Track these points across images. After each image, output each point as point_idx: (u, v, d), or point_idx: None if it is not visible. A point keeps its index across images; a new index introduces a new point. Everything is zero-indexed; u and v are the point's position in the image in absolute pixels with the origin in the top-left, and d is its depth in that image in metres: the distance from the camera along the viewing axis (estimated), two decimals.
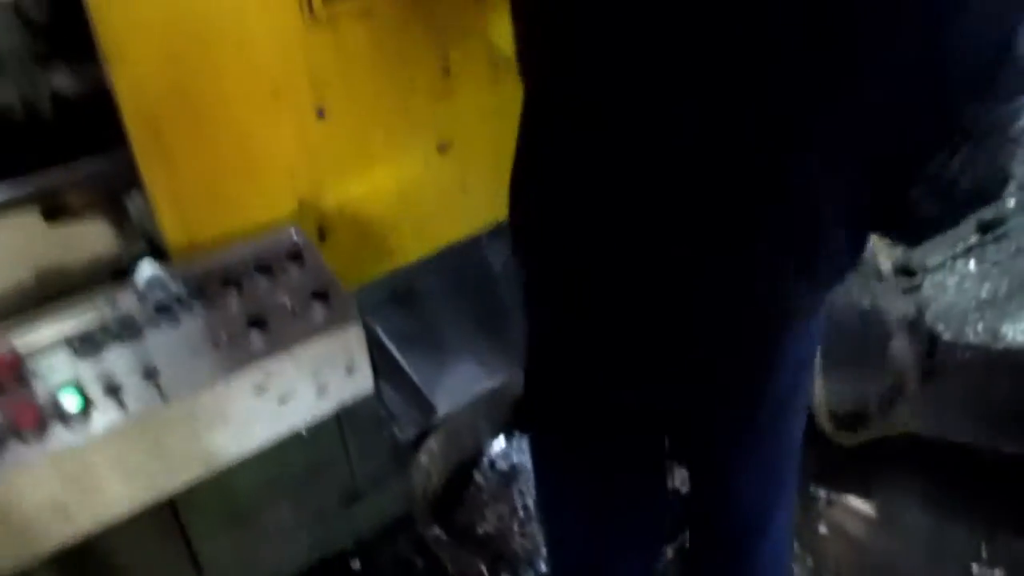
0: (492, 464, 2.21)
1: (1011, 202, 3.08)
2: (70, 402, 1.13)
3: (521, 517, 2.07)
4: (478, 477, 2.18)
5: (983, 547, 2.14)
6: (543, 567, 1.97)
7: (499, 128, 1.53)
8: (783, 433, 1.33)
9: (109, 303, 1.25)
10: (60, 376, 1.16)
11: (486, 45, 1.66)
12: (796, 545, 2.11)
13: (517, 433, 2.23)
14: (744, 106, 0.89)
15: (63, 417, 1.12)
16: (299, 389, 1.32)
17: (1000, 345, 2.54)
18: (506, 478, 2.16)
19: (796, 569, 2.07)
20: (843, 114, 0.91)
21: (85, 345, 1.19)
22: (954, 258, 2.85)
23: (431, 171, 1.66)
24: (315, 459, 1.92)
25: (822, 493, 2.32)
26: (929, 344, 2.53)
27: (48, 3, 1.31)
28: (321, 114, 1.48)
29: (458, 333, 2.12)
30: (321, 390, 1.35)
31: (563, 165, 1.05)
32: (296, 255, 1.39)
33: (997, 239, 2.94)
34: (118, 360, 1.19)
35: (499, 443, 2.24)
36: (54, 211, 1.28)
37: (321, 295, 1.33)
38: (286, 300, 1.31)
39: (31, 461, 1.09)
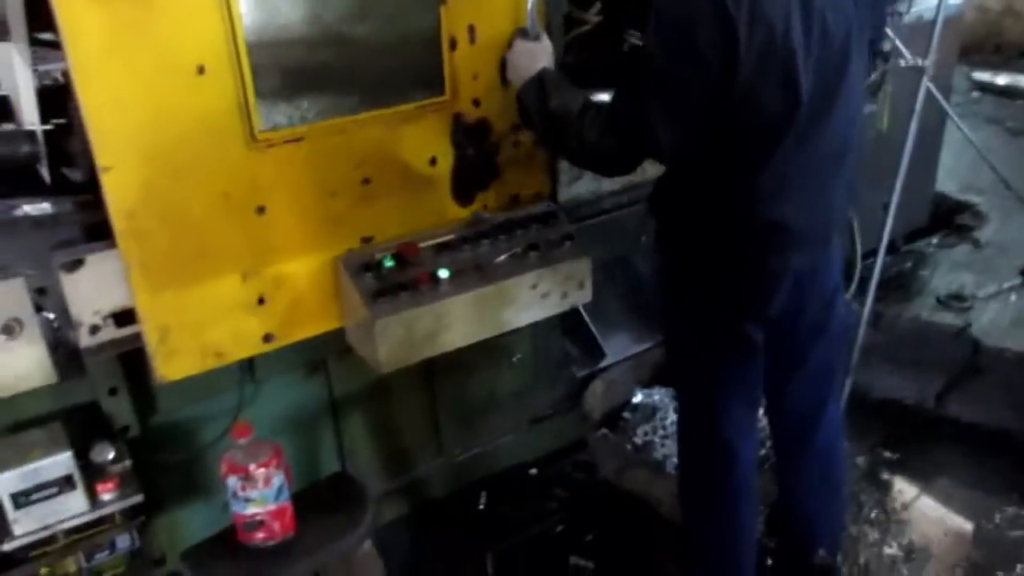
0: (636, 407, 3.03)
1: None
2: (443, 274, 2.04)
3: (660, 435, 2.88)
4: (626, 414, 3.01)
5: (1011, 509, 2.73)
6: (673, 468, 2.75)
7: (415, 223, 2.12)
8: (838, 352, 2.15)
9: (456, 230, 2.16)
10: (441, 262, 2.07)
11: (401, 166, 2.06)
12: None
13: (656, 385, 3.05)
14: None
15: (438, 281, 2.04)
16: (553, 289, 2.20)
17: None
18: (647, 413, 2.98)
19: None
20: None
21: (445, 248, 2.11)
22: (999, 292, 3.58)
23: None
24: (519, 384, 2.78)
25: (887, 454, 3.03)
26: (973, 348, 3.26)
27: None
28: (261, 211, 1.88)
29: (620, 301, 2.99)
30: (564, 294, 2.23)
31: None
32: (553, 215, 2.30)
33: None
34: (464, 258, 2.11)
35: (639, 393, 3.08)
36: None
37: (569, 237, 2.23)
38: (552, 238, 2.20)
39: (420, 302, 2.00)
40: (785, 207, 1.89)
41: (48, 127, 1.90)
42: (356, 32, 1.91)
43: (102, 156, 1.69)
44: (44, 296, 2.00)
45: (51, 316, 2.01)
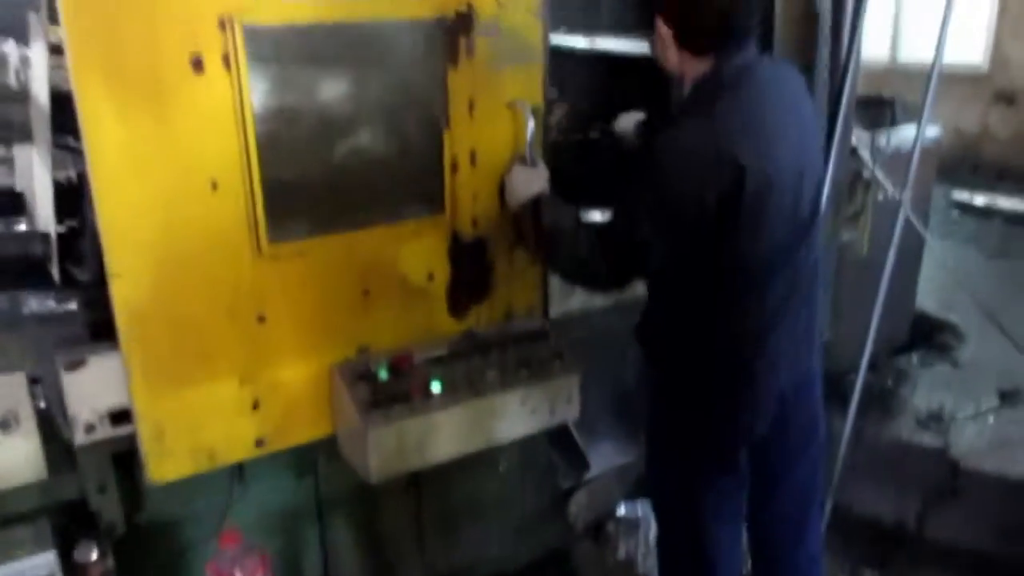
0: (619, 519, 3.03)
1: None
2: (435, 387, 2.09)
3: (642, 551, 2.88)
4: (610, 526, 3.00)
5: None
6: None
7: (410, 334, 2.18)
8: (819, 467, 2.21)
9: (450, 344, 2.22)
10: (435, 375, 2.12)
11: (399, 279, 2.14)
12: None
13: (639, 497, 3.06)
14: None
15: (430, 394, 2.08)
16: (541, 405, 2.25)
17: (1012, 477, 3.22)
18: (630, 527, 2.98)
19: None
20: None
21: (439, 361, 2.16)
22: (977, 414, 3.64)
23: None
24: (504, 494, 2.79)
25: (867, 572, 3.03)
26: (952, 470, 3.30)
27: None
28: (262, 319, 1.95)
29: (606, 414, 3.02)
30: (552, 409, 2.28)
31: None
32: (544, 334, 2.36)
33: (1014, 404, 3.73)
34: (456, 372, 2.15)
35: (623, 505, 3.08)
36: None
37: (559, 355, 2.29)
38: (542, 355, 2.26)
39: (412, 413, 2.04)
40: (770, 336, 1.98)
41: (61, 229, 1.96)
42: (364, 153, 2.02)
43: (113, 263, 1.75)
44: (37, 385, 2.04)
45: (43, 405, 2.04)
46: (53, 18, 1.82)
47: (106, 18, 1.62)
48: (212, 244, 1.85)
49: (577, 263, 2.01)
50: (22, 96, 2.01)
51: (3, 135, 2.08)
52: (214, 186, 1.81)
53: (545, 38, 2.20)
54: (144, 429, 1.89)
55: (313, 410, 2.10)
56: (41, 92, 1.86)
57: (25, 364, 1.98)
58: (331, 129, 1.94)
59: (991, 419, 3.60)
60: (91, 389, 1.89)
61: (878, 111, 3.70)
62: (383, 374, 2.08)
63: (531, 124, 2.14)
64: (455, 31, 2.02)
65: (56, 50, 1.88)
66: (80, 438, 1.91)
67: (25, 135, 2.04)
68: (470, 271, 2.26)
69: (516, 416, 2.21)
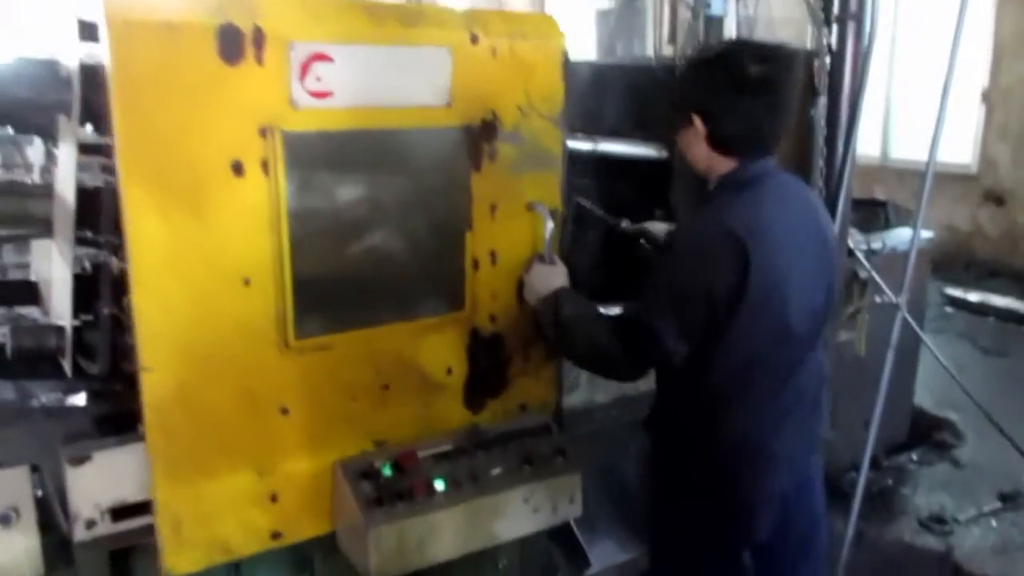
0: None
1: None
2: (439, 485, 2.09)
3: None
4: None
5: None
6: None
7: (427, 428, 2.20)
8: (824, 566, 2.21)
9: (455, 439, 2.22)
10: (438, 472, 2.11)
11: (419, 374, 2.17)
12: None
13: None
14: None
15: (433, 491, 2.08)
16: (544, 504, 2.24)
17: None
18: None
19: None
20: None
21: (443, 458, 2.16)
22: (979, 516, 3.62)
23: None
24: None
25: None
26: (955, 575, 3.26)
27: None
28: (285, 412, 1.98)
29: (607, 510, 3.00)
30: (554, 508, 2.27)
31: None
32: (547, 429, 2.37)
33: (1016, 506, 3.71)
34: (460, 468, 2.15)
35: None
36: None
37: (561, 451, 2.29)
38: (545, 452, 2.27)
39: (415, 511, 2.03)
40: (776, 437, 2.00)
41: (76, 323, 1.99)
42: (389, 252, 2.07)
43: (146, 357, 1.78)
44: (36, 474, 2.03)
45: (40, 493, 2.03)
46: (82, 121, 1.90)
47: (155, 125, 1.71)
48: (241, 338, 1.89)
49: (595, 351, 2.04)
50: (45, 192, 2.07)
51: (25, 229, 2.13)
52: (246, 283, 1.86)
53: (563, 145, 2.29)
54: (163, 520, 1.88)
55: (330, 503, 2.10)
56: (67, 189, 1.93)
57: (29, 455, 1.98)
58: (360, 229, 2.00)
59: (993, 522, 3.58)
60: (94, 485, 1.89)
61: (872, 213, 3.81)
62: (386, 471, 2.07)
63: (550, 225, 2.21)
64: (480, 138, 2.11)
65: (83, 149, 1.96)
66: (80, 534, 1.90)
67: (45, 229, 2.10)
68: (487, 366, 2.29)
69: (519, 515, 2.20)
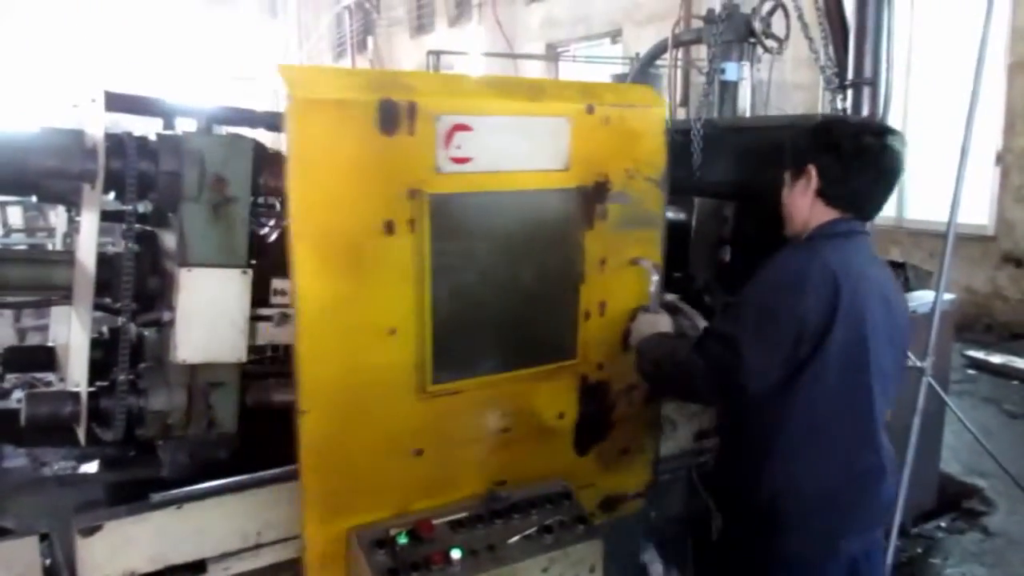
0: None
1: None
2: (456, 554, 2.03)
3: None
4: None
5: None
6: None
7: (542, 469, 2.33)
8: None
9: (472, 507, 2.18)
10: (455, 541, 2.07)
11: (536, 419, 2.34)
12: None
13: None
14: None
15: (451, 561, 2.02)
16: (564, 573, 2.17)
17: None
18: None
19: None
20: None
21: (460, 526, 2.11)
22: None
23: None
24: None
25: None
26: None
27: None
28: (419, 453, 2.14)
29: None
30: None
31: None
32: (567, 495, 2.32)
33: None
34: (477, 537, 2.11)
35: None
36: None
37: (582, 519, 2.24)
38: (564, 519, 2.22)
39: None
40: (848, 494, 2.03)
41: (92, 389, 1.98)
42: (513, 304, 2.24)
43: (304, 401, 1.95)
44: (44, 543, 2.00)
45: (48, 562, 1.99)
46: (105, 189, 1.93)
47: (323, 190, 1.90)
48: (385, 384, 2.06)
49: (676, 366, 2.08)
50: (66, 259, 2.08)
51: (45, 295, 2.13)
52: (392, 332, 2.04)
53: (663, 205, 2.46)
54: (311, 556, 2.01)
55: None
56: (88, 257, 1.94)
57: (39, 524, 1.95)
58: (488, 283, 2.18)
59: None
60: (104, 555, 1.86)
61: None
62: (402, 540, 2.03)
63: (655, 278, 2.37)
64: (593, 198, 2.30)
65: (106, 217, 1.98)
66: None
67: (65, 296, 2.10)
68: (595, 411, 2.44)
69: None
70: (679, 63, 9.74)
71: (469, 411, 2.21)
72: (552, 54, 12.75)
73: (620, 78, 7.34)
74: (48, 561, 2.01)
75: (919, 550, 3.77)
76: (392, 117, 1.95)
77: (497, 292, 2.19)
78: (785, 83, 7.94)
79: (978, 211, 7.40)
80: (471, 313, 2.15)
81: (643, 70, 5.95)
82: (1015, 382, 6.08)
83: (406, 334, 2.05)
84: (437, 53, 10.89)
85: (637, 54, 7.46)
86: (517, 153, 2.16)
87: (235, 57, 19.81)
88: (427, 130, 2.00)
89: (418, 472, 2.14)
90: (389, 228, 1.98)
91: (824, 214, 2.06)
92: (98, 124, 1.91)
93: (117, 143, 1.90)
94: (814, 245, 2.03)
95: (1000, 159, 7.32)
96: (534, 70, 12.70)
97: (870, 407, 2.03)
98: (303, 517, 2.00)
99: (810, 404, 1.96)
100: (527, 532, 2.17)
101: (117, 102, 1.96)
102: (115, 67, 16.10)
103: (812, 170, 2.05)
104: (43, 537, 2.07)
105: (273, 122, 2.19)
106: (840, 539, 2.04)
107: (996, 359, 6.36)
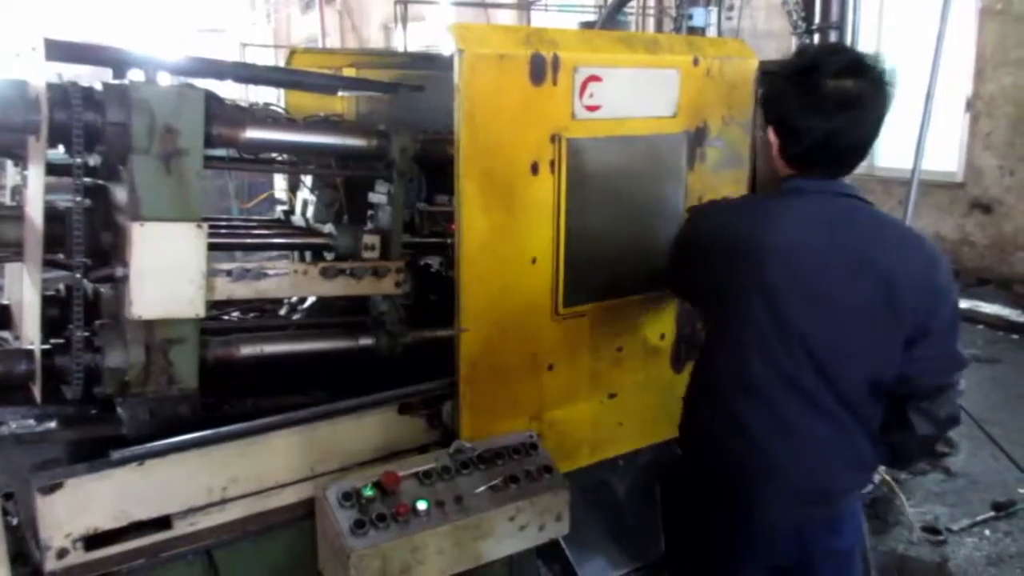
0: None
1: (1021, 489, 3.86)
2: (422, 506, 2.04)
3: None
4: None
5: None
6: None
7: (646, 389, 2.69)
8: None
9: (438, 458, 2.18)
10: (421, 493, 2.08)
11: (643, 339, 2.67)
12: None
13: None
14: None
15: (417, 512, 2.03)
16: (530, 522, 2.19)
17: None
18: None
19: None
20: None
21: (426, 478, 2.12)
22: (973, 526, 3.59)
23: (604, 409, 2.63)
24: None
25: None
26: None
27: (413, 289, 2.44)
28: (551, 368, 2.45)
29: (598, 527, 2.95)
30: (541, 526, 2.22)
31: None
32: (533, 446, 2.33)
33: (1008, 515, 3.68)
34: (443, 488, 2.11)
35: None
36: (404, 408, 2.30)
37: (547, 469, 2.25)
38: (531, 469, 2.23)
39: (398, 534, 1.98)
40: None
41: (47, 347, 1.94)
42: (629, 237, 2.53)
43: (465, 320, 2.23)
44: (10, 501, 1.98)
45: (15, 522, 1.98)
46: (52, 142, 1.87)
47: (484, 135, 2.15)
48: (526, 307, 2.36)
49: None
50: (16, 214, 2.03)
51: None
52: (533, 261, 2.32)
53: (749, 147, 2.71)
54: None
55: (577, 442, 2.57)
56: (36, 212, 1.88)
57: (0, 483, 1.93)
58: (609, 218, 2.46)
59: (987, 532, 3.55)
60: (66, 513, 1.83)
61: None
62: (368, 492, 2.03)
63: None
64: (695, 142, 2.60)
65: (52, 171, 1.92)
66: (51, 564, 1.84)
67: (15, 252, 2.05)
68: (690, 333, 2.75)
69: (505, 534, 2.15)
70: (651, 11, 9.64)
71: (591, 332, 2.51)
72: (524, 2, 12.53)
73: (588, 25, 7.23)
74: (16, 521, 2.00)
75: (884, 491, 3.85)
76: (541, 69, 2.21)
77: (615, 226, 2.48)
78: (757, 31, 7.88)
79: (947, 158, 7.44)
80: (594, 244, 2.43)
81: (611, 17, 5.86)
82: (980, 327, 6.18)
83: (544, 263, 2.33)
84: (405, 2, 10.66)
85: (606, 1, 7.35)
86: (636, 101, 2.44)
87: (200, 8, 19.31)
88: (567, 81, 2.26)
89: (550, 384, 2.45)
90: (535, 169, 2.25)
91: (785, 171, 2.02)
92: (40, 74, 1.84)
93: (61, 93, 1.83)
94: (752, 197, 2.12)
95: (970, 105, 7.34)
96: (505, 18, 12.49)
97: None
98: (459, 423, 2.29)
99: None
100: (493, 483, 2.19)
101: (59, 50, 1.89)
102: (72, 19, 15.64)
103: (770, 132, 1.99)
104: (8, 496, 2.05)
105: (242, 74, 2.15)
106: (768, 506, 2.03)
107: (963, 304, 6.43)
